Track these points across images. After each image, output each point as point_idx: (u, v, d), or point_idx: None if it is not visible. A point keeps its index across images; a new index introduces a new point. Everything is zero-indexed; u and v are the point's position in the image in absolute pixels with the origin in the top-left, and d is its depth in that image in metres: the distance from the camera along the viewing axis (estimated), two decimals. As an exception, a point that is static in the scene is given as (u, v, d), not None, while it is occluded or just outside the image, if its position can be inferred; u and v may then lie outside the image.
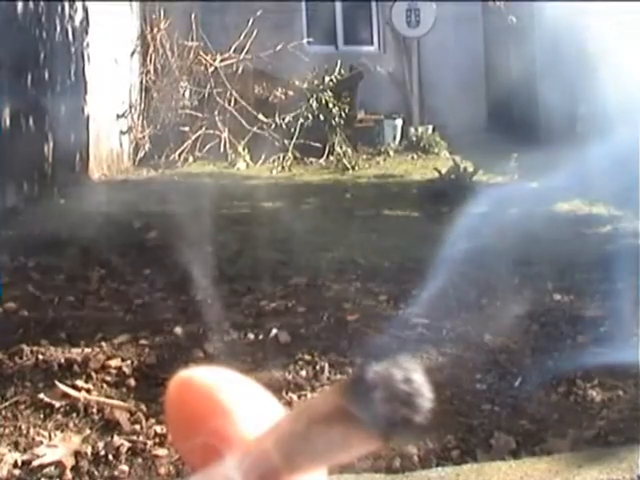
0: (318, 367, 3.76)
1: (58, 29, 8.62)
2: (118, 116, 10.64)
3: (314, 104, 11.29)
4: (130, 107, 11.04)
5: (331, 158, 11.06)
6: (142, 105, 11.36)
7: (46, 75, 8.15)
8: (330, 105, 11.35)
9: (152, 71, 11.45)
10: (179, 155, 10.78)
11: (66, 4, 8.85)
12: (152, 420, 3.22)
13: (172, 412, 0.45)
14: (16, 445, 3.08)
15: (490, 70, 14.25)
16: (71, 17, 9.01)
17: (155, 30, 11.45)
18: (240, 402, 0.43)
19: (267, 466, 0.39)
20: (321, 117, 11.28)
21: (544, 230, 6.04)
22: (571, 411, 3.34)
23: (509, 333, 4.12)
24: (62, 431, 3.17)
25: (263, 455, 0.39)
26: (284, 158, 10.82)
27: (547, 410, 3.34)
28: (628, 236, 6.40)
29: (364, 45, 13.90)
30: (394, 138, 12.39)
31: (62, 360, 3.80)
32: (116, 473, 2.93)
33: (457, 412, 3.31)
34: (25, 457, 2.99)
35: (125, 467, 2.95)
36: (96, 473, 2.93)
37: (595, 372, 3.65)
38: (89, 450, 3.03)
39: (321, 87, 11.49)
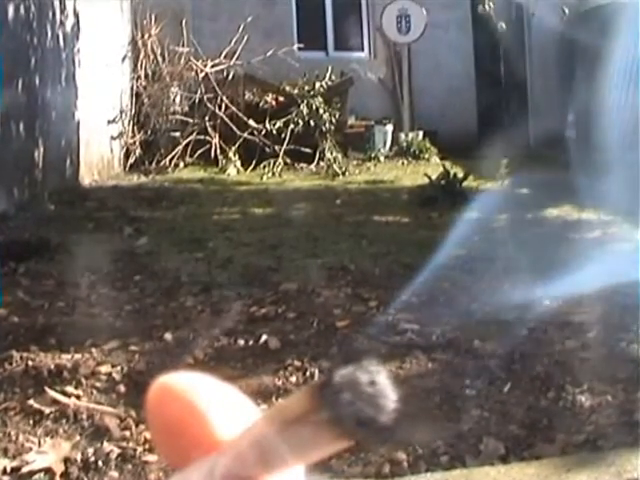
0: (308, 373, 3.77)
1: (49, 35, 8.63)
2: (109, 121, 10.64)
3: (304, 110, 11.30)
4: (121, 112, 11.03)
5: (321, 164, 11.07)
6: (133, 111, 11.36)
7: (37, 80, 8.15)
8: (320, 111, 11.36)
9: (143, 76, 11.46)
10: (170, 161, 10.78)
11: (57, 10, 8.85)
12: (142, 426, 3.22)
13: (152, 417, 0.46)
14: (5, 451, 3.08)
15: (480, 76, 14.29)
16: (62, 23, 9.01)
17: (146, 36, 11.46)
18: (217, 406, 0.44)
19: (244, 465, 0.40)
20: (311, 123, 11.30)
21: (533, 236, 6.07)
22: (560, 416, 3.35)
23: (498, 338, 4.13)
24: (52, 437, 3.16)
25: (240, 455, 0.41)
26: (275, 164, 10.83)
27: (536, 415, 3.35)
28: (618, 241, 6.43)
29: (354, 51, 13.93)
30: (384, 144, 12.41)
31: (52, 366, 3.80)
32: (106, 479, 2.93)
33: (446, 417, 3.32)
34: (14, 463, 2.99)
35: (115, 473, 2.95)
36: (86, 479, 2.93)
37: (584, 377, 3.66)
38: (79, 456, 3.03)
39: (311, 93, 11.50)
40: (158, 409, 0.46)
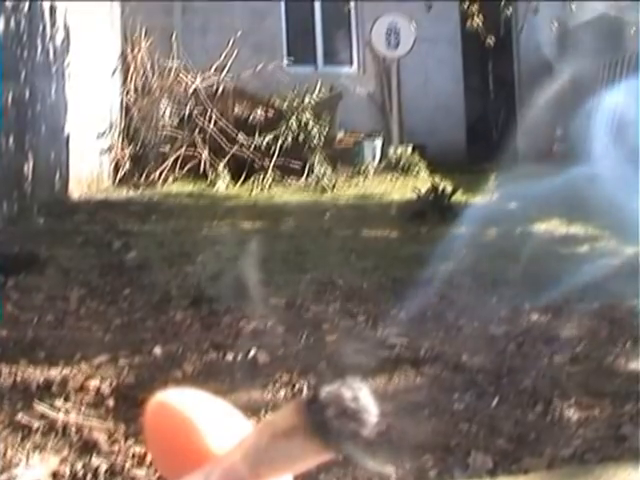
0: (297, 388, 3.77)
1: (39, 48, 8.64)
2: (98, 135, 10.64)
3: (294, 124, 11.33)
4: (110, 126, 11.04)
5: (310, 178, 11.08)
6: (122, 124, 11.37)
7: (27, 94, 8.16)
8: (310, 125, 11.39)
9: (132, 90, 11.48)
10: (159, 175, 10.78)
11: (47, 23, 8.86)
12: (131, 440, 3.22)
13: (148, 432, 0.48)
14: (-6, 466, 3.08)
15: (469, 91, 14.35)
16: (52, 36, 9.03)
17: (136, 50, 11.48)
18: (211, 420, 0.46)
19: (236, 476, 0.43)
20: (301, 137, 11.32)
21: (522, 250, 6.09)
22: (548, 430, 3.36)
23: (486, 353, 4.14)
24: (40, 452, 3.16)
25: (232, 467, 0.43)
26: (264, 178, 10.85)
27: (524, 429, 3.37)
28: (605, 255, 6.45)
29: (344, 65, 13.98)
30: (373, 158, 12.44)
31: (41, 380, 3.80)
32: (94, 494, 2.92)
33: (435, 432, 3.33)
34: (3, 478, 2.98)
35: (103, 487, 2.95)
36: (74, 494, 2.92)
37: (571, 391, 3.68)
38: (67, 471, 3.02)
39: (301, 107, 11.54)
40: (154, 424, 0.48)
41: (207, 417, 0.46)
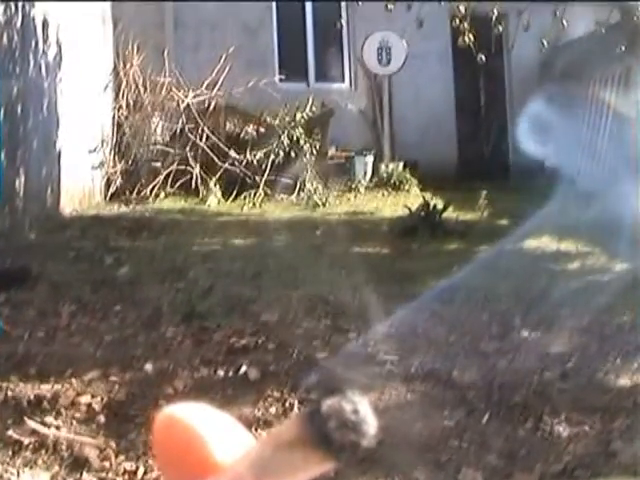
0: (287, 404, 3.78)
1: (32, 64, 8.65)
2: (90, 151, 10.64)
3: (285, 140, 11.36)
4: (102, 142, 11.05)
5: (302, 194, 11.09)
6: (114, 140, 11.37)
7: (19, 109, 8.16)
8: (301, 141, 11.41)
9: (124, 106, 11.49)
10: (150, 191, 10.78)
11: (40, 39, 8.88)
12: (121, 457, 3.22)
13: (157, 444, 0.50)
14: (-16, 482, 3.07)
15: (460, 107, 14.40)
16: (44, 52, 9.05)
17: (128, 65, 11.50)
18: (216, 433, 0.48)
19: None
20: (292, 153, 11.35)
21: (513, 266, 6.11)
22: (538, 446, 3.37)
23: (477, 369, 4.15)
24: (31, 468, 3.16)
25: (238, 476, 0.45)
26: (255, 194, 10.86)
27: (514, 445, 3.37)
28: (596, 272, 6.48)
29: (335, 82, 14.01)
30: (365, 175, 12.45)
31: (32, 396, 3.80)
32: (85, 510, 2.92)
33: (425, 447, 3.34)
34: (-7, 494, 2.98)
35: (94, 504, 2.95)
36: (65, 510, 2.92)
37: (562, 407, 3.69)
38: (58, 487, 3.02)
39: (292, 124, 11.56)
40: (162, 437, 0.50)
41: (213, 430, 0.48)
